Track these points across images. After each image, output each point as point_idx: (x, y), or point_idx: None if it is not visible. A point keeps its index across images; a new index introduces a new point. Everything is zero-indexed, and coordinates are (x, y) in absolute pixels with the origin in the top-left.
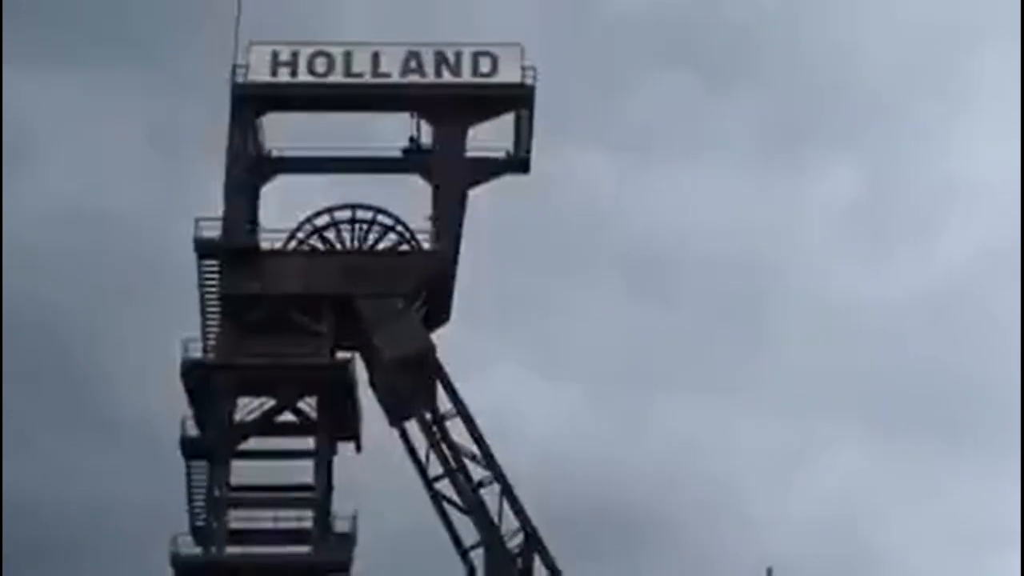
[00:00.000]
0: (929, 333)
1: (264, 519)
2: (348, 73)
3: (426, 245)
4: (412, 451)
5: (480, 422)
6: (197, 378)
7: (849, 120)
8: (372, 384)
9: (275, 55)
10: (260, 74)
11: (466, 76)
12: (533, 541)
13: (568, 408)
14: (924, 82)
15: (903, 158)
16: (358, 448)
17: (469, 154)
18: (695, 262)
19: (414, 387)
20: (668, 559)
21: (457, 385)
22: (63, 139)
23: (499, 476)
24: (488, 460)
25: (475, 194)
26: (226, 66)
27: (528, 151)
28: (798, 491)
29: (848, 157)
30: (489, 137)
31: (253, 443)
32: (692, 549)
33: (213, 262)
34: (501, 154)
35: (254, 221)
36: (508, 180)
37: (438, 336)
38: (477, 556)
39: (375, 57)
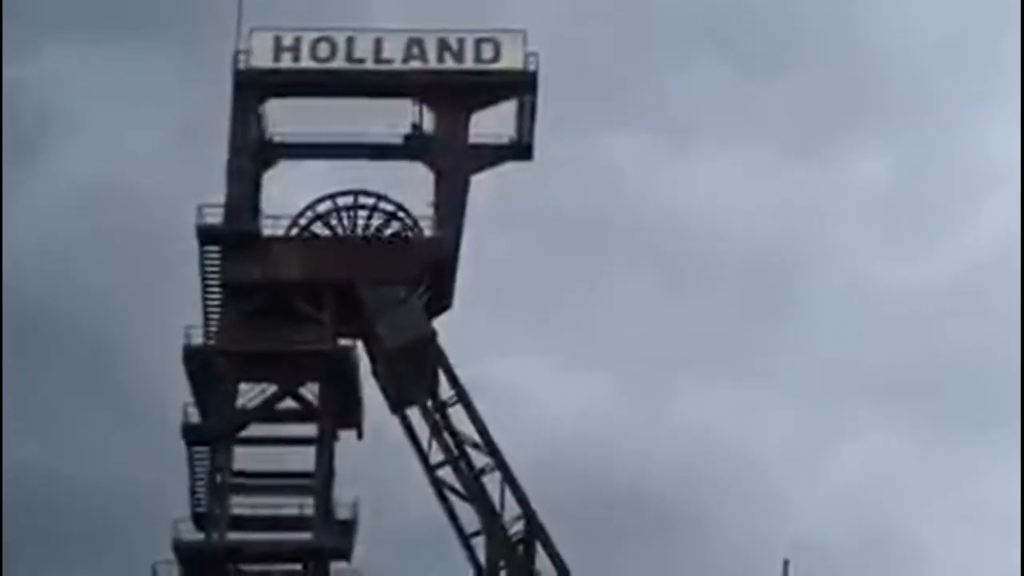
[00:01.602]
0: (961, 321)
1: (265, 506)
2: (350, 59)
3: (428, 232)
4: (414, 438)
5: (497, 409)
6: (198, 364)
7: (886, 108)
8: (374, 371)
9: (277, 40)
10: (262, 60)
11: (468, 62)
12: (535, 528)
13: (592, 395)
14: (962, 70)
15: (939, 146)
16: (359, 435)
17: (471, 141)
18: (725, 249)
19: (416, 375)
20: (695, 545)
21: (473, 371)
22: (95, 116)
23: (501, 464)
24: (490, 447)
25: (502, 177)
26: (228, 51)
27: (531, 138)
28: (824, 476)
29: (883, 145)
30: (494, 123)
31: (254, 430)
32: (719, 535)
33: (215, 248)
34: (504, 140)
35: (256, 207)
36: (536, 163)
37: (453, 322)
38: (479, 543)
39: (377, 43)
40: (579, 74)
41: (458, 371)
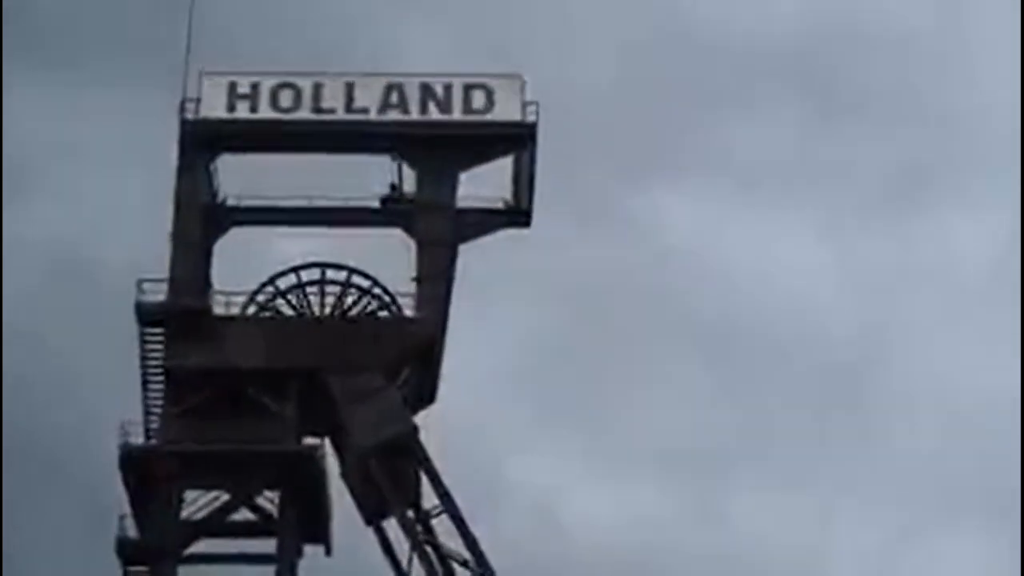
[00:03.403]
0: None
1: None
2: (317, 108)
3: (409, 311)
4: (391, 555)
5: (523, 510)
6: (137, 468)
7: (981, 162)
8: (344, 475)
9: (232, 86)
10: (214, 109)
11: (456, 113)
12: None
13: (629, 497)
14: None
15: None
16: (328, 551)
17: (459, 204)
18: (785, 330)
19: (394, 479)
20: None
21: (489, 474)
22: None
23: None
24: (481, 565)
25: (513, 238)
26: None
27: (530, 201)
28: None
29: (981, 206)
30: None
31: (203, 545)
32: None
33: (157, 330)
34: (498, 204)
35: (206, 282)
36: (560, 221)
37: (457, 414)
38: None
39: (349, 89)
40: (615, 120)
41: (468, 473)
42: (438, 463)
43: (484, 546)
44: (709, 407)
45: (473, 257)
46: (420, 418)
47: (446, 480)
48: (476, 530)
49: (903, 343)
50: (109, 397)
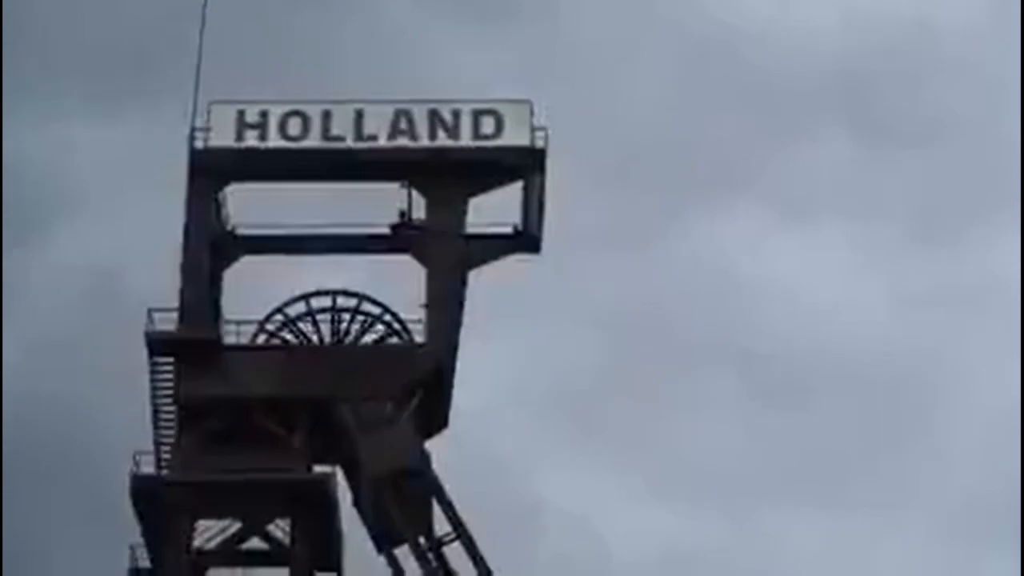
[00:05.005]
0: None
1: None
2: (327, 136)
3: (419, 338)
4: None
5: (563, 531)
6: (149, 498)
7: None
8: (356, 504)
9: (240, 115)
10: (223, 138)
11: (465, 139)
12: None
13: (670, 517)
14: None
15: None
16: None
17: (469, 230)
18: (834, 352)
19: (406, 507)
20: None
21: (539, 486)
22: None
23: None
24: None
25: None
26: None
27: (539, 227)
28: None
29: None
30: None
31: (215, 574)
32: None
33: (167, 360)
34: (507, 230)
35: (216, 311)
36: (595, 243)
37: (491, 436)
38: None
39: (359, 117)
40: (657, 143)
41: (506, 493)
42: (475, 484)
43: (523, 567)
44: (751, 428)
45: (509, 280)
46: (454, 439)
47: (483, 501)
48: (513, 550)
49: (951, 366)
50: (128, 423)
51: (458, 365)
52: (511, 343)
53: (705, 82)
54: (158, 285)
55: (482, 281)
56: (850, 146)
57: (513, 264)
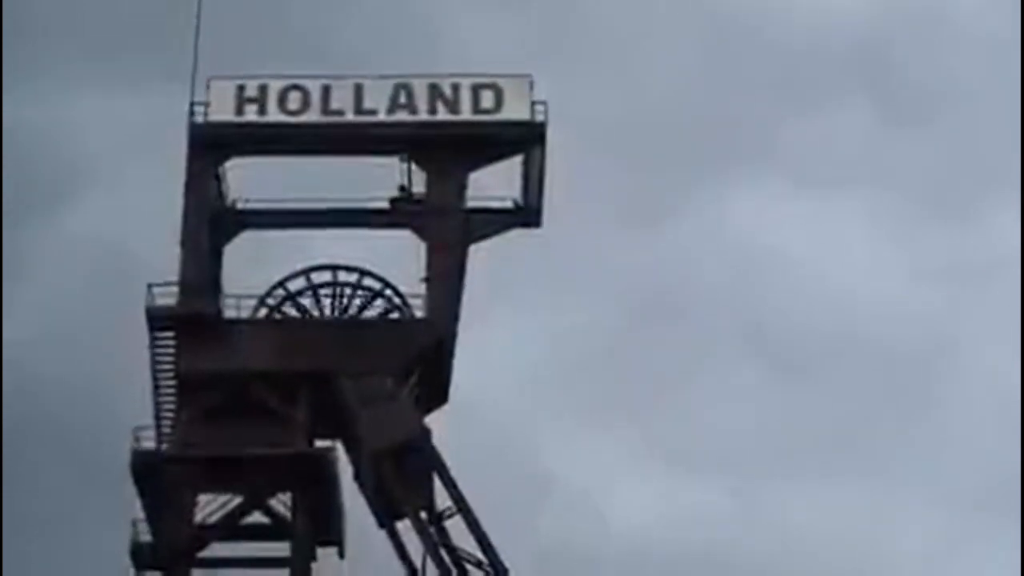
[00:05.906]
0: None
1: None
2: (326, 110)
3: (419, 313)
4: (405, 556)
5: (568, 506)
6: (149, 473)
7: None
8: (357, 478)
9: (240, 90)
10: (223, 112)
11: (465, 113)
12: None
13: (677, 493)
14: None
15: None
16: (341, 554)
17: (469, 204)
18: (847, 326)
19: (406, 481)
20: None
21: (545, 461)
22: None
23: None
24: (495, 566)
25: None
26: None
27: (540, 201)
28: None
29: None
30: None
31: (216, 549)
32: None
33: (168, 335)
34: (507, 204)
35: (216, 286)
36: (621, 221)
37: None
38: None
39: (358, 91)
40: (678, 115)
41: (512, 468)
42: (478, 459)
43: (527, 542)
44: (762, 403)
45: (518, 254)
46: (456, 413)
47: (489, 476)
48: (519, 526)
49: (966, 341)
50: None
51: (458, 340)
52: (512, 318)
53: (721, 54)
54: (166, 260)
55: (483, 256)
56: (869, 119)
57: (517, 238)
